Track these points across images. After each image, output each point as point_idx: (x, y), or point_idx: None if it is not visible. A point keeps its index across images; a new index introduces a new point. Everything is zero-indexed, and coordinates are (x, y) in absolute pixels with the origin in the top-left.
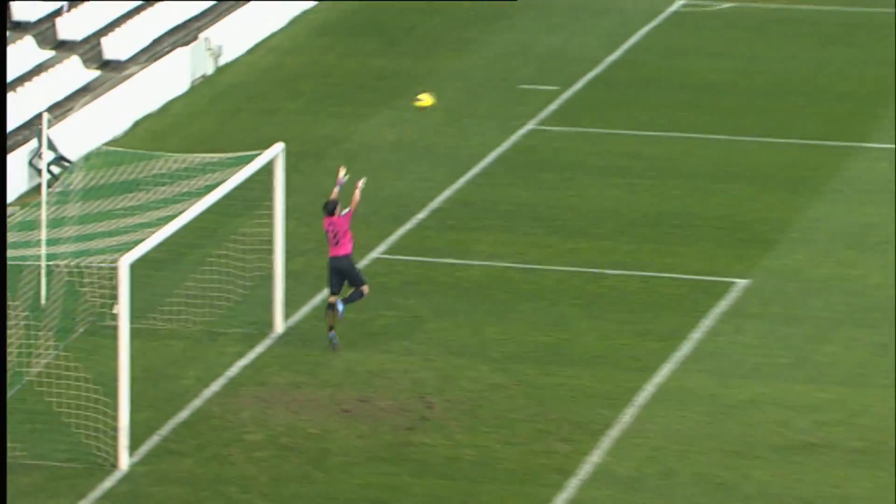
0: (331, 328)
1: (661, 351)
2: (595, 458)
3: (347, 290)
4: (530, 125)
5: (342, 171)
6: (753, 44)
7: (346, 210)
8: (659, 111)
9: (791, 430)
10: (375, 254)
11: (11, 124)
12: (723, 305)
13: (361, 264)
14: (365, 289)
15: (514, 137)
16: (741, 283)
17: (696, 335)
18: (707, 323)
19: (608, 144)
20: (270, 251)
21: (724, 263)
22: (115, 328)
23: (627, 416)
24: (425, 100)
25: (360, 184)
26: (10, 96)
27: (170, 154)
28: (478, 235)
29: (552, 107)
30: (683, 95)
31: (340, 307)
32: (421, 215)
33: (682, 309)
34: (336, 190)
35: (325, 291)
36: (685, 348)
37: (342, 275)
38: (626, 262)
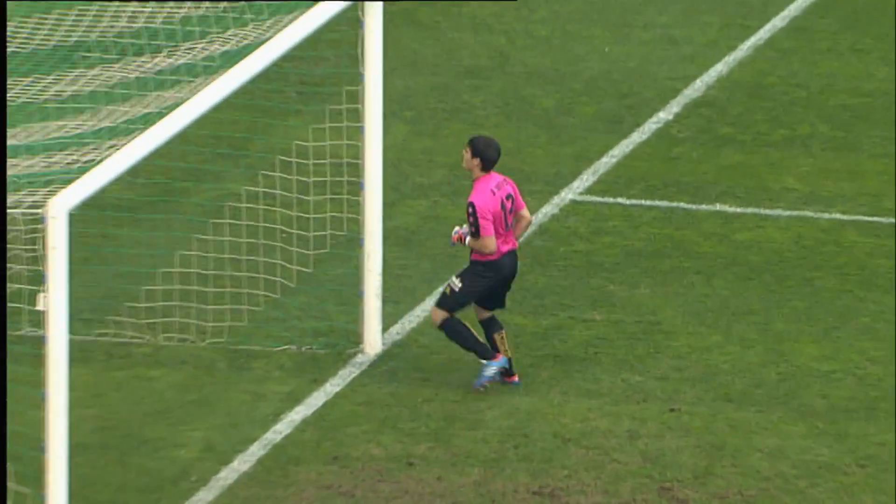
0: (507, 362)
1: None
2: None
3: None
4: None
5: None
6: None
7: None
8: None
9: None
10: (570, 193)
11: None
12: None
13: (545, 209)
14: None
15: None
16: None
17: None
18: None
19: None
20: (355, 192)
21: None
22: (38, 342)
23: None
24: None
25: (460, 234)
26: None
27: None
28: (781, 157)
29: None
30: None
31: (492, 372)
32: (663, 114)
33: None
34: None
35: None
36: None
37: (509, 282)
38: None
